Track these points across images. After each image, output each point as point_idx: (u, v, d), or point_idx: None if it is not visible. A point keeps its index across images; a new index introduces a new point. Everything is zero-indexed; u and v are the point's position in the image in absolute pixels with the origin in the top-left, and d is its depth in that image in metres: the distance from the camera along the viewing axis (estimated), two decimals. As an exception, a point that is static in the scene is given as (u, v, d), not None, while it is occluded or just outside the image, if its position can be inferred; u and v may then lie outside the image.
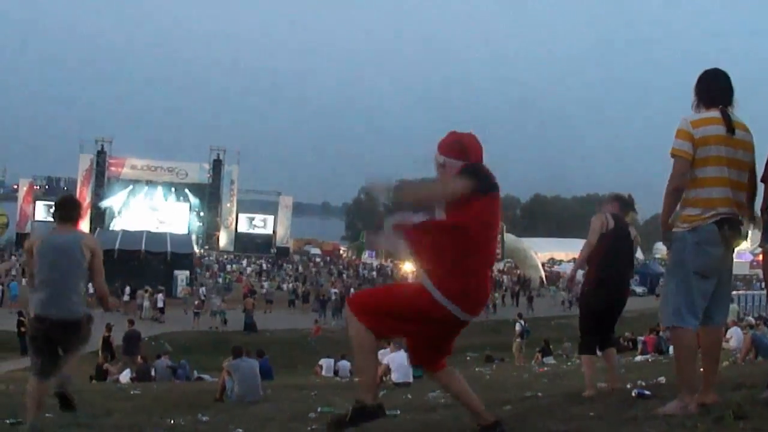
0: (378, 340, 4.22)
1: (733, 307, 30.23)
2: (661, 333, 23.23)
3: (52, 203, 71.31)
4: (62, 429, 6.88)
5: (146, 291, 38.90)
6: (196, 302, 39.45)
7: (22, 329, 29.53)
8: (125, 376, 18.36)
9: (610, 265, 6.53)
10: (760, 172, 4.60)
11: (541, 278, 61.26)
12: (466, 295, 4.02)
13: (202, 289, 41.80)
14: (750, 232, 4.72)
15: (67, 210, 6.07)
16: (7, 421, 7.03)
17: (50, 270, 5.71)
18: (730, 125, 4.45)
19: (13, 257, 58.76)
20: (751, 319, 27.11)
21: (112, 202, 71.51)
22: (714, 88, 4.60)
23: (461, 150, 4.17)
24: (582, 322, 6.74)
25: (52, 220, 6.07)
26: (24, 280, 45.98)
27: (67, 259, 5.74)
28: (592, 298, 6.59)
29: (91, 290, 6.14)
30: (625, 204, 6.90)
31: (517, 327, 28.87)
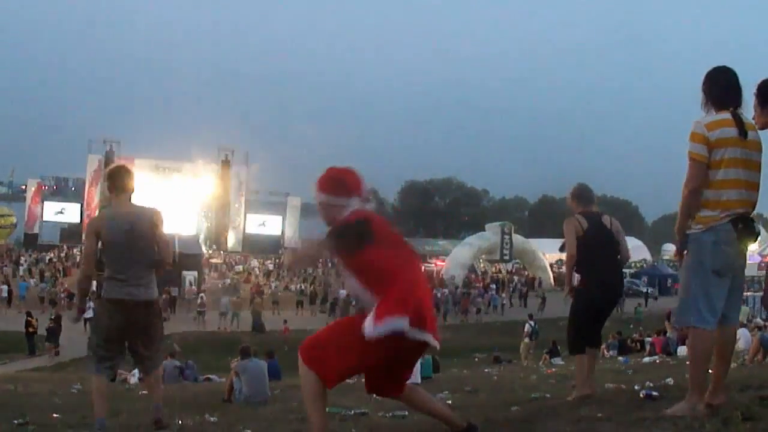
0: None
1: (744, 308, 30.12)
2: (668, 334, 23.18)
3: (60, 204, 71.72)
4: (71, 429, 6.90)
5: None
6: (199, 302, 39.61)
7: (30, 329, 29.67)
8: (133, 377, 18.37)
9: (599, 264, 6.53)
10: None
11: (550, 279, 61.14)
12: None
13: (202, 295, 41.73)
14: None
15: (120, 179, 5.89)
16: (15, 422, 7.04)
17: (129, 251, 5.63)
18: (742, 128, 4.48)
19: (21, 258, 58.85)
20: (759, 320, 27.01)
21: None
22: (723, 89, 4.61)
23: (341, 186, 4.21)
24: (576, 321, 6.69)
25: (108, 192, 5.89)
26: (32, 281, 46.20)
27: (138, 238, 5.66)
28: (585, 298, 6.55)
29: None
30: (584, 197, 6.81)
31: (526, 327, 28.84)
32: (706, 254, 4.46)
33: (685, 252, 4.59)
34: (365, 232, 4.05)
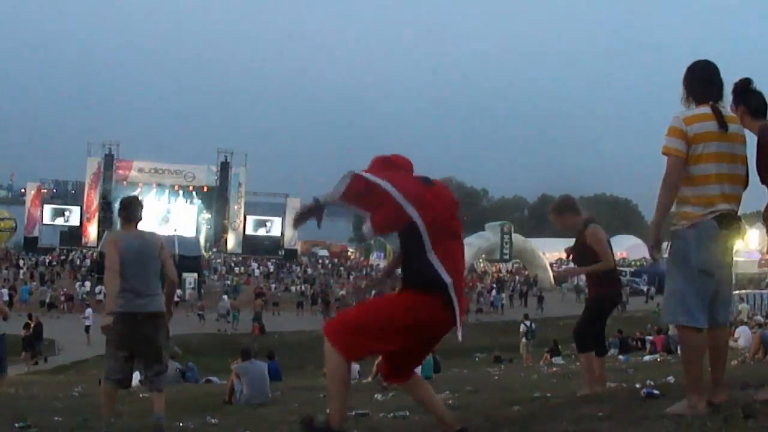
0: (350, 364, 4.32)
1: (744, 306, 30.15)
2: (669, 332, 23.20)
3: (59, 207, 71.76)
4: (71, 432, 6.90)
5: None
6: (199, 303, 39.67)
7: (25, 332, 29.39)
8: (134, 379, 18.35)
9: (614, 270, 6.71)
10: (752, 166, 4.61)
11: (550, 279, 61.14)
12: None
13: (225, 297, 42.11)
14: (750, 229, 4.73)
15: (133, 210, 6.47)
16: (16, 425, 7.04)
17: (140, 266, 6.11)
18: (722, 121, 4.43)
19: (20, 260, 58.82)
20: (760, 318, 27.03)
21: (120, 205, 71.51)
22: (703, 82, 4.58)
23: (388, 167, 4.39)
24: (588, 322, 6.74)
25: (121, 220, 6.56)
26: (33, 284, 46.21)
27: (148, 256, 6.20)
28: (603, 301, 6.67)
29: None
30: (577, 207, 6.86)
31: (522, 327, 28.88)
32: (690, 251, 4.42)
33: (669, 248, 4.59)
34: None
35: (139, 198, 6.95)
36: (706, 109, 4.47)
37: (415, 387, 4.50)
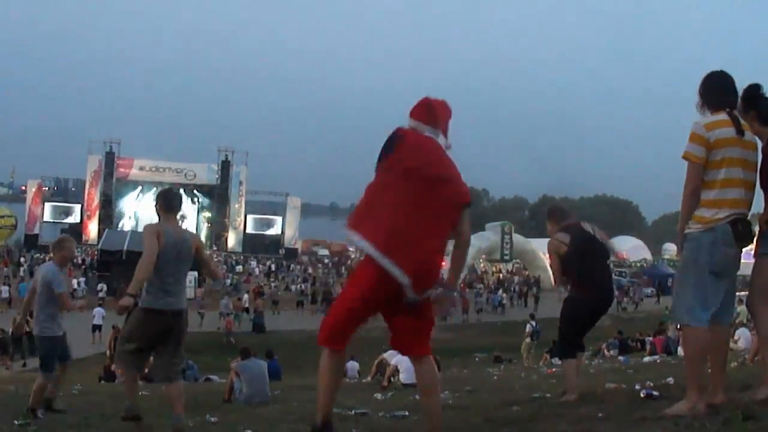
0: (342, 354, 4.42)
1: (743, 308, 30.00)
2: (669, 333, 23.17)
3: (60, 204, 71.63)
4: (71, 429, 6.90)
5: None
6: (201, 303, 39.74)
7: (29, 330, 29.22)
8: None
9: (593, 270, 6.58)
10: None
11: (550, 279, 61.18)
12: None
13: (246, 296, 42.40)
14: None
15: (170, 201, 6.37)
16: (16, 422, 7.05)
17: (175, 264, 6.13)
18: (739, 127, 4.51)
19: (21, 258, 58.78)
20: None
21: (120, 203, 71.65)
22: (718, 91, 4.65)
23: (429, 114, 4.41)
24: (566, 327, 6.75)
25: (157, 212, 6.37)
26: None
27: (184, 255, 6.20)
28: (582, 305, 6.60)
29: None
30: (558, 215, 6.96)
31: (527, 327, 28.80)
32: (702, 254, 4.47)
33: (682, 250, 4.63)
34: (388, 144, 4.25)
35: (177, 190, 6.96)
36: (723, 116, 4.55)
37: (423, 374, 4.42)
